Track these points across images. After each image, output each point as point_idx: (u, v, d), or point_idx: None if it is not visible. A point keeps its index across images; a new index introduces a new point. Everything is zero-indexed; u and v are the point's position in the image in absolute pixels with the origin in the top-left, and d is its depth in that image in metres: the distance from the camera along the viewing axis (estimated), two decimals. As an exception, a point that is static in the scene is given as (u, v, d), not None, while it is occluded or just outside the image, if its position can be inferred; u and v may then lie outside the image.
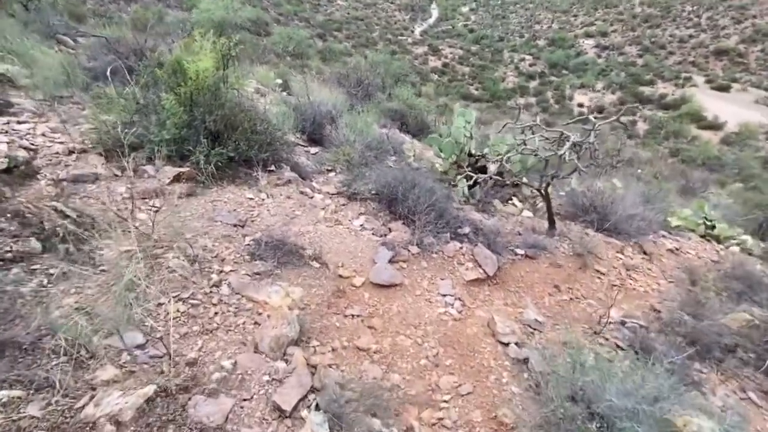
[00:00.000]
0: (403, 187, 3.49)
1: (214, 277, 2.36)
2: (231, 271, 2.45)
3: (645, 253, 4.69)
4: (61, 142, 3.46)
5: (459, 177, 4.92)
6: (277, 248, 2.72)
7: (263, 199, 3.52)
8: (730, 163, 26.32)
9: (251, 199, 3.48)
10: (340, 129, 6.02)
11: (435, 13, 77.02)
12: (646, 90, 48.71)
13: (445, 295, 2.84)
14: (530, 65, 56.75)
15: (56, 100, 4.76)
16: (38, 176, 3.05)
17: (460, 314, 2.74)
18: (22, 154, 3.04)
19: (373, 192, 3.88)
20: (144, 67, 4.37)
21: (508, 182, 4.65)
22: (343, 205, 3.81)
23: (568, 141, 3.30)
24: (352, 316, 2.48)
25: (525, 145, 4.02)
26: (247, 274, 2.45)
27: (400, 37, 57.09)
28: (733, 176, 22.40)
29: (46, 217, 2.42)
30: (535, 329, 2.75)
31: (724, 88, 49.54)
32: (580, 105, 46.32)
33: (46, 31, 7.87)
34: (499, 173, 5.32)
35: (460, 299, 2.85)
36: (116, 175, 3.31)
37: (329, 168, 4.93)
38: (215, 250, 2.63)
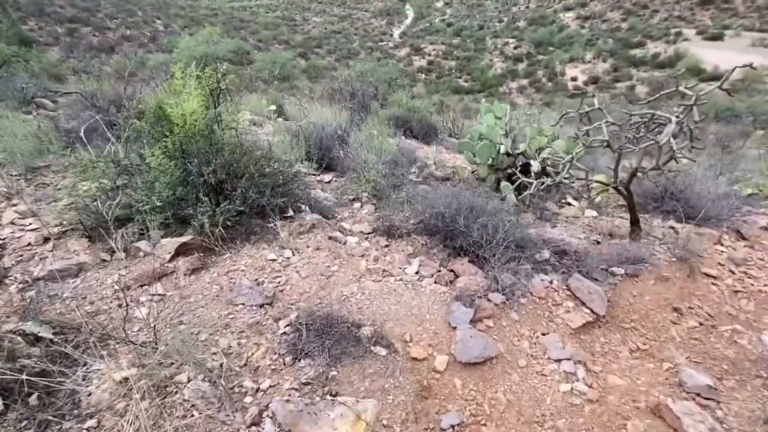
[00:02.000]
0: (463, 214, 2.76)
1: (251, 407, 1.65)
2: (271, 387, 1.75)
3: (744, 238, 3.91)
4: (33, 229, 2.81)
5: (504, 183, 4.19)
6: (323, 333, 2.02)
7: (289, 258, 2.83)
8: (744, 112, 25.21)
9: (274, 260, 2.78)
10: (352, 149, 5.34)
11: (410, 14, 76.86)
12: (638, 52, 47.66)
13: (559, 360, 2.10)
14: (515, 48, 56.01)
15: (30, 171, 4.15)
16: (7, 281, 2.39)
17: (591, 388, 1.99)
18: (-19, 257, 2.38)
19: (419, 223, 3.17)
20: (123, 120, 3.74)
21: (563, 181, 3.92)
22: (386, 246, 3.10)
23: (670, 122, 2.57)
24: (452, 427, 1.74)
25: (588, 135, 3.29)
26: (294, 389, 1.74)
27: (380, 43, 56.86)
28: (751, 124, 21.33)
29: (10, 353, 1.74)
30: (709, 399, 1.99)
31: (717, 37, 48.34)
32: (573, 79, 45.40)
33: (21, 97, 7.35)
34: (543, 170, 4.59)
35: (580, 362, 2.11)
36: (104, 261, 2.64)
37: (352, 198, 4.23)
38: (243, 353, 1.93)
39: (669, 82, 37.14)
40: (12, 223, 2.85)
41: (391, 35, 66.04)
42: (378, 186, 4.00)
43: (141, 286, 2.49)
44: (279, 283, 2.59)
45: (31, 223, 2.87)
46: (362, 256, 2.94)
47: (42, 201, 3.30)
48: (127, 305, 2.05)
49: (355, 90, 14.12)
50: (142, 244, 2.71)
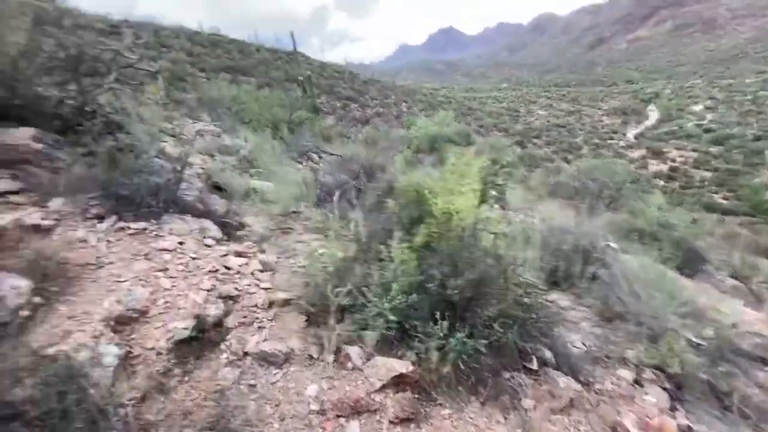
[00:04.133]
0: None
1: None
2: None
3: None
4: (266, 288, 2.68)
5: None
6: None
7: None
8: None
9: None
10: (613, 275, 3.94)
11: (653, 115, 68.53)
12: None
13: None
14: (816, 169, 41.07)
15: (288, 216, 4.56)
16: (222, 346, 2.18)
17: None
18: (214, 311, 2.26)
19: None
20: (371, 190, 3.61)
21: None
22: None
23: None
24: None
25: None
26: None
27: (609, 141, 51.98)
28: None
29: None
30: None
31: None
32: None
33: (301, 150, 9.20)
34: None
35: None
36: (311, 358, 2.18)
37: (619, 357, 2.82)
38: None
39: None
40: (252, 273, 2.83)
41: (624, 134, 60.00)
42: (685, 362, 2.50)
43: (337, 416, 1.86)
44: None
45: (266, 280, 2.78)
46: None
47: (283, 254, 3.34)
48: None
49: (584, 187, 12.36)
50: (354, 353, 2.15)
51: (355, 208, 3.77)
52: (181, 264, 2.60)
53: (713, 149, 51.47)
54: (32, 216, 2.68)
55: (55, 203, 2.90)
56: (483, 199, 2.57)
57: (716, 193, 38.06)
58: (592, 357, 2.81)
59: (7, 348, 1.56)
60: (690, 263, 7.20)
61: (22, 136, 3.32)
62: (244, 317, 2.41)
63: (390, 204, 2.65)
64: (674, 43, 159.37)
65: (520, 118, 59.08)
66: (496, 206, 8.91)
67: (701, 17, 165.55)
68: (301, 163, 8.48)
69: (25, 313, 1.91)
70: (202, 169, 4.87)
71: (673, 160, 46.21)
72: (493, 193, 9.39)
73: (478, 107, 57.10)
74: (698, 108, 69.02)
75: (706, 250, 8.14)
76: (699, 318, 3.95)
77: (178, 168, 3.33)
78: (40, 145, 3.38)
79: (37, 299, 2.05)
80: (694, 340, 3.43)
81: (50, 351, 1.64)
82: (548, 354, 2.57)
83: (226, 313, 2.35)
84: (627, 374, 2.64)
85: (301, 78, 20.12)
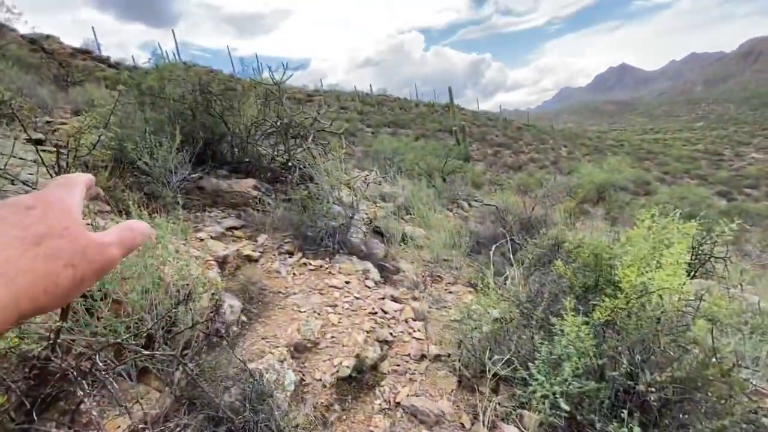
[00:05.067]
0: None
1: None
2: None
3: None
4: (418, 338, 2.69)
5: None
6: None
7: None
8: None
9: None
10: None
11: None
12: None
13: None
14: None
15: (438, 263, 4.60)
16: (376, 391, 2.24)
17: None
18: (372, 354, 2.37)
19: None
20: (533, 247, 3.34)
21: None
22: None
23: None
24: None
25: None
26: None
27: None
28: None
29: None
30: None
31: None
32: None
33: (452, 197, 9.38)
34: None
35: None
36: (462, 427, 2.03)
37: None
38: None
39: None
40: (406, 321, 2.89)
41: None
42: None
43: (491, 508, 1.64)
44: None
45: (418, 329, 2.79)
46: None
47: (435, 304, 3.34)
48: None
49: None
50: (511, 430, 1.90)
51: (510, 264, 3.53)
52: (347, 302, 2.86)
53: None
54: (246, 248, 3.40)
55: (261, 238, 3.63)
56: (693, 275, 2.04)
57: None
58: None
59: (223, 357, 1.95)
60: None
61: (247, 185, 4.35)
62: (397, 365, 2.45)
63: (558, 266, 2.36)
64: None
65: (724, 162, 47.31)
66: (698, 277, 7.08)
67: None
68: (451, 210, 8.60)
69: (235, 329, 2.38)
70: (366, 215, 5.43)
71: None
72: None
73: (661, 150, 48.32)
74: None
75: None
76: None
77: (350, 214, 3.77)
78: (256, 192, 4.35)
79: (243, 318, 2.54)
80: None
81: (251, 366, 1.97)
82: None
83: (382, 358, 2.44)
84: None
85: (454, 128, 20.99)
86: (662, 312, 1.74)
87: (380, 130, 25.19)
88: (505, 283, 3.15)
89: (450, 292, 3.79)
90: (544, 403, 1.85)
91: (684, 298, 1.80)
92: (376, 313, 2.83)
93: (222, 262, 3.02)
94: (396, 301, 3.12)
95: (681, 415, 1.76)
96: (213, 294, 2.28)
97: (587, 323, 1.92)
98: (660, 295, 1.70)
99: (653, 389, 1.67)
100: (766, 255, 9.85)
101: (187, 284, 1.85)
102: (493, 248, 3.46)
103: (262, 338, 2.38)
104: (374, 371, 2.34)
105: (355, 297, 2.97)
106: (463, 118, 33.78)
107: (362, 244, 4.05)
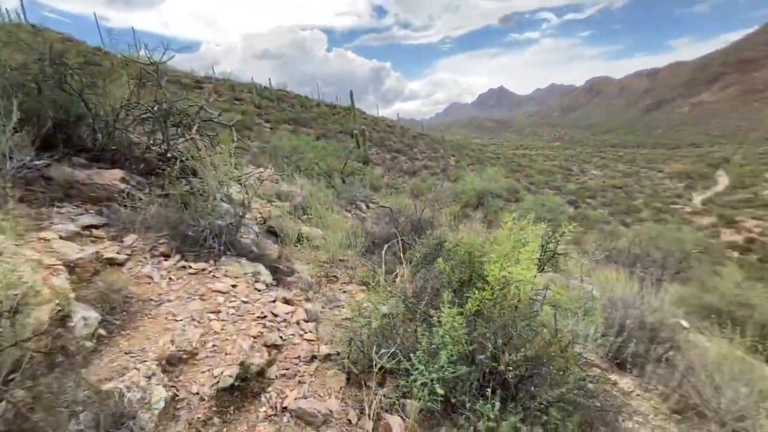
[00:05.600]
0: None
1: None
2: None
3: None
4: (309, 340, 2.66)
5: None
6: None
7: None
8: None
9: None
10: (691, 365, 3.47)
11: (723, 180, 63.68)
12: None
13: None
14: None
15: (335, 264, 4.60)
16: (262, 398, 2.14)
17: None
18: (258, 360, 2.25)
19: None
20: (420, 247, 3.59)
21: None
22: None
23: None
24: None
25: None
26: None
27: (672, 206, 48.58)
28: None
29: None
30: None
31: None
32: None
33: (350, 198, 9.51)
34: None
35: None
36: (349, 423, 2.07)
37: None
38: None
39: None
40: (298, 323, 2.83)
41: (690, 200, 55.90)
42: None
43: (373, 497, 1.71)
44: None
45: (310, 330, 2.76)
46: None
47: (328, 304, 3.34)
48: None
49: (646, 255, 11.55)
50: (395, 424, 2.01)
51: (401, 263, 3.74)
52: (232, 307, 2.67)
53: (799, 221, 46.10)
54: (109, 250, 2.93)
55: (130, 239, 3.17)
56: (542, 268, 2.43)
57: (806, 270, 33.51)
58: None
59: (69, 380, 1.64)
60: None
61: (113, 176, 3.75)
62: (286, 369, 2.38)
63: (439, 263, 2.58)
64: (742, 108, 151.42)
65: (572, 176, 57.54)
66: (549, 270, 8.44)
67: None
68: (349, 211, 8.71)
69: (89, 344, 2.03)
70: (260, 213, 5.15)
71: (750, 231, 41.93)
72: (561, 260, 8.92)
73: (528, 164, 56.62)
74: (777, 175, 63.30)
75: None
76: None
77: (241, 213, 3.54)
78: (125, 185, 3.78)
79: (102, 331, 2.18)
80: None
81: (108, 386, 1.69)
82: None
83: (270, 363, 2.34)
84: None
85: (355, 131, 21.34)
86: (519, 301, 2.04)
87: (279, 126, 24.19)
88: (395, 281, 3.31)
89: (344, 292, 3.83)
90: (423, 391, 2.00)
91: (535, 288, 2.13)
92: (265, 317, 2.71)
93: (74, 267, 2.54)
94: (288, 303, 3.03)
95: (532, 388, 2.08)
96: (58, 304, 1.90)
97: (461, 314, 2.14)
98: (517, 287, 1.99)
99: (511, 368, 1.94)
100: (599, 252, 12.26)
101: (17, 294, 1.50)
102: (384, 248, 3.61)
103: (126, 353, 2.07)
104: (260, 378, 2.23)
105: (243, 301, 2.79)
106: (364, 122, 34.59)
107: (253, 244, 3.83)
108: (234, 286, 2.96)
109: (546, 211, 25.26)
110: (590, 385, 2.05)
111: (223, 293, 2.81)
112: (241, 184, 4.14)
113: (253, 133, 20.02)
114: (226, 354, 2.23)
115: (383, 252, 3.54)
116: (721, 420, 2.94)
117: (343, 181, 10.84)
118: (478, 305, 2.14)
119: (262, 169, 5.73)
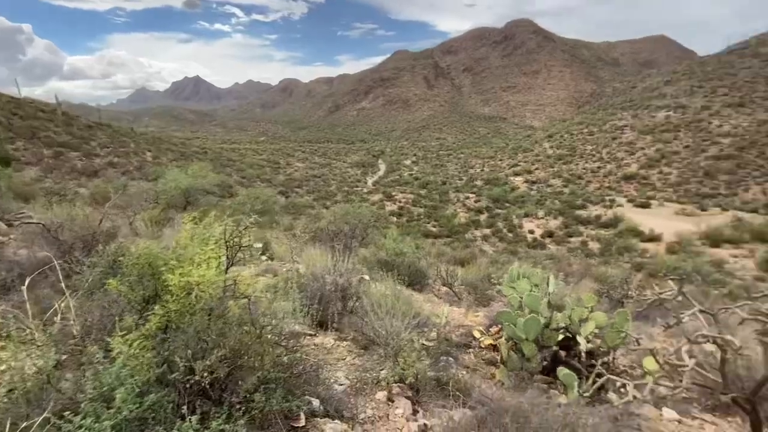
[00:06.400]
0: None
1: None
2: None
3: None
4: None
5: (565, 372, 3.40)
6: None
7: None
8: (690, 272, 27.22)
9: None
10: (362, 307, 4.52)
11: (382, 167, 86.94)
12: (582, 213, 53.97)
13: None
14: (475, 202, 62.31)
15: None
16: None
17: None
18: None
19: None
20: (89, 267, 2.87)
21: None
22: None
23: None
24: None
25: (680, 322, 2.74)
26: None
27: (355, 188, 61.78)
28: (706, 284, 22.73)
29: None
30: None
31: (645, 205, 56.39)
32: (531, 232, 49.49)
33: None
34: (590, 352, 3.99)
35: None
36: None
37: (374, 381, 3.22)
38: None
39: (615, 240, 40.93)
40: None
41: (365, 183, 72.61)
42: (420, 374, 3.07)
43: None
44: None
45: None
46: None
47: None
48: None
49: (339, 230, 13.93)
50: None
51: (64, 295, 2.87)
52: None
53: (422, 191, 68.95)
54: None
55: None
56: (231, 263, 2.46)
57: (428, 223, 51.38)
58: (355, 388, 3.10)
59: None
60: (417, 280, 9.34)
61: None
62: None
63: (110, 284, 2.13)
64: (387, 114, 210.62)
65: (280, 169, 62.20)
66: (264, 259, 8.82)
67: (400, 97, 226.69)
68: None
69: None
70: None
71: (399, 201, 59.48)
72: (258, 244, 9.26)
73: (238, 158, 56.59)
74: (408, 162, 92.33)
75: (426, 268, 10.61)
76: (426, 324, 5.07)
77: None
78: None
79: None
80: (424, 343, 4.36)
81: None
82: (316, 403, 2.65)
83: None
84: (382, 395, 3.04)
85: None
86: (210, 302, 1.99)
87: None
88: (53, 321, 2.51)
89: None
90: (101, 445, 1.62)
91: (222, 285, 2.15)
92: None
93: None
94: None
95: (238, 384, 2.11)
96: None
97: (144, 336, 1.87)
98: (201, 289, 1.93)
99: (206, 374, 1.88)
100: (305, 234, 13.88)
101: None
102: (27, 281, 2.63)
103: None
104: None
105: None
106: (-12, 104, 23.94)
107: None
108: None
109: (260, 203, 26.21)
110: (285, 359, 2.30)
111: None
112: None
113: None
114: None
115: (24, 288, 2.57)
116: (385, 342, 4.04)
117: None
118: (163, 321, 1.92)
119: None
